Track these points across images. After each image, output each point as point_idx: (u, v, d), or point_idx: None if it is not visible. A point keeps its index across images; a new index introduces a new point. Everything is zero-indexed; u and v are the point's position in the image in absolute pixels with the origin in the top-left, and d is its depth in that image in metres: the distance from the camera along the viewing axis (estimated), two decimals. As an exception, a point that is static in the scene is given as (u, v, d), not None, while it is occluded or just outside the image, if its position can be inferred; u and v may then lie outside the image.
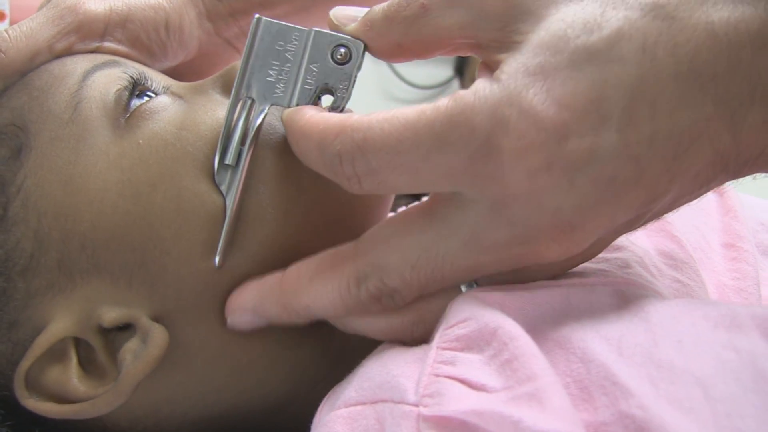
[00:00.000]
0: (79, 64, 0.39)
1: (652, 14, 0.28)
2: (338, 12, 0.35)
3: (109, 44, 0.42)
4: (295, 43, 0.34)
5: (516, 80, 0.28)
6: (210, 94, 0.38)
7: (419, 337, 0.32)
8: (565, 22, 0.28)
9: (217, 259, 0.34)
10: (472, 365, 0.27)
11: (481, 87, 0.28)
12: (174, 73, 0.47)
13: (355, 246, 0.32)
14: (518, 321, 0.28)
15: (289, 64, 0.34)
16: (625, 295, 0.30)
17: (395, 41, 0.33)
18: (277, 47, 0.34)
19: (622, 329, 0.27)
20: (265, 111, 0.35)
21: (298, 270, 0.33)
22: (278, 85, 0.34)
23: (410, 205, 0.33)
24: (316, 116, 0.32)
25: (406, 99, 2.17)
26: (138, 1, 0.44)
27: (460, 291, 0.32)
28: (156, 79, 0.39)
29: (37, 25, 0.41)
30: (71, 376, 0.34)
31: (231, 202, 0.34)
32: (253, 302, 0.34)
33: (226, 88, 0.38)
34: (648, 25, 0.28)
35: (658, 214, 0.32)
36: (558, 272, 0.33)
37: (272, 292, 0.33)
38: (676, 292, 0.35)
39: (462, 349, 0.28)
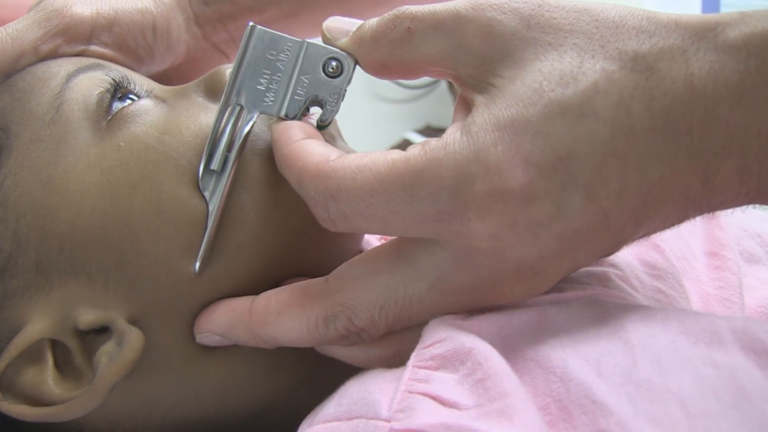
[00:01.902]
0: (63, 66, 0.39)
1: (631, 65, 0.28)
2: (331, 24, 0.35)
3: (95, 47, 0.42)
4: (287, 53, 0.34)
5: (485, 134, 0.28)
6: (193, 98, 0.38)
7: (396, 366, 0.32)
8: (542, 73, 0.28)
9: (197, 264, 0.34)
10: (446, 383, 0.28)
11: (451, 140, 0.29)
12: (162, 77, 0.47)
13: (325, 283, 0.33)
14: (496, 343, 0.29)
15: (280, 74, 0.34)
16: (604, 309, 0.30)
17: (380, 61, 0.33)
18: (269, 56, 0.34)
19: (601, 349, 0.28)
20: (254, 119, 0.35)
21: (267, 301, 0.34)
22: (268, 94, 0.35)
23: (380, 244, 0.33)
24: (297, 147, 0.33)
25: (394, 98, 2.17)
26: (125, 5, 0.44)
27: None
28: (139, 82, 0.39)
29: (24, 27, 0.41)
30: (47, 378, 0.34)
31: (214, 207, 0.34)
32: (221, 327, 0.34)
33: (209, 92, 0.38)
34: (625, 77, 0.28)
35: (627, 246, 0.32)
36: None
37: (241, 320, 0.34)
38: (658, 303, 0.35)
39: (437, 368, 0.28)
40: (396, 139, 2.12)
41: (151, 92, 0.39)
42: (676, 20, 0.29)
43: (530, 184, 0.27)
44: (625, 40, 0.28)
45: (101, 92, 0.37)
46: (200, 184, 0.34)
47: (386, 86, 2.11)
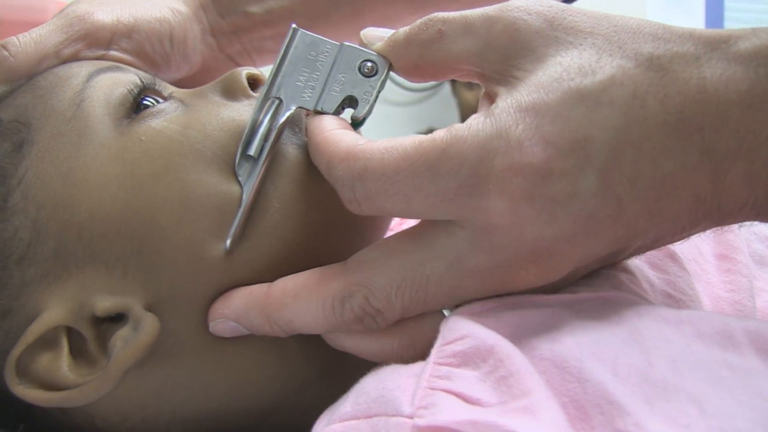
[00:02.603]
0: (84, 67, 0.40)
1: (646, 64, 0.29)
2: (368, 32, 0.36)
3: (114, 53, 0.44)
4: (326, 54, 0.36)
5: (507, 115, 0.29)
6: (210, 97, 0.39)
7: (410, 360, 0.32)
8: (562, 66, 0.30)
9: (228, 242, 0.34)
10: (468, 381, 0.28)
11: (475, 121, 0.30)
12: (177, 86, 0.48)
13: (343, 265, 0.33)
14: (512, 341, 0.29)
15: (318, 73, 0.36)
16: (618, 311, 0.31)
17: (412, 62, 0.35)
18: (309, 56, 0.36)
19: (616, 350, 0.28)
20: (291, 111, 0.36)
21: (284, 284, 0.34)
22: (306, 90, 0.36)
23: (399, 231, 0.34)
24: (330, 135, 0.34)
25: (398, 101, 2.18)
26: (144, 14, 0.45)
27: (444, 317, 0.33)
28: (163, 84, 0.40)
29: (47, 32, 0.42)
30: (61, 364, 0.34)
31: (249, 190, 0.35)
32: (236, 312, 0.34)
33: (226, 92, 0.39)
34: (641, 74, 0.29)
35: (640, 251, 0.33)
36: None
37: (257, 303, 0.34)
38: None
39: (458, 365, 0.29)
40: (400, 142, 2.12)
41: (171, 94, 0.40)
42: (691, 32, 0.30)
43: (548, 161, 0.29)
44: (641, 43, 0.30)
45: (125, 91, 0.38)
46: (236, 168, 0.36)
47: (389, 89, 2.12)
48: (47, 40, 0.42)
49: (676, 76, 0.29)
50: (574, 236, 0.29)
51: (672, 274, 0.38)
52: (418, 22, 0.34)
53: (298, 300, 0.33)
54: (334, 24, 0.51)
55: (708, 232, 0.45)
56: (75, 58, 0.42)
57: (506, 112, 0.30)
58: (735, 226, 0.45)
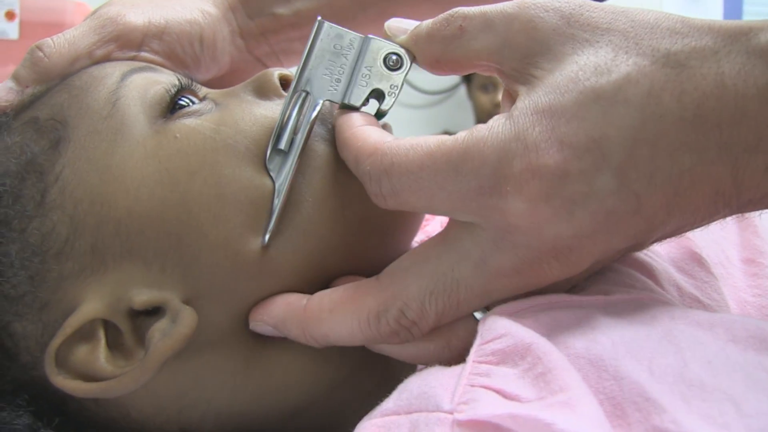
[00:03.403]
0: (117, 67, 0.40)
1: (663, 61, 0.29)
2: (392, 24, 0.37)
3: (145, 54, 0.44)
4: (351, 46, 0.37)
5: (525, 117, 0.30)
6: (242, 96, 0.40)
7: (446, 363, 0.33)
8: (578, 65, 0.30)
9: (266, 237, 0.35)
10: (507, 378, 0.28)
11: (496, 123, 0.31)
12: (206, 86, 0.48)
13: (377, 280, 0.34)
14: (548, 339, 0.30)
15: (344, 65, 0.37)
16: (651, 313, 0.31)
17: (434, 57, 0.35)
18: (335, 49, 0.37)
19: (652, 350, 0.28)
20: (320, 105, 0.37)
21: (321, 299, 0.35)
22: (333, 83, 0.37)
23: (427, 238, 0.34)
24: (359, 131, 0.35)
25: (413, 104, 2.18)
26: (175, 16, 0.46)
27: (475, 319, 0.34)
28: (198, 85, 0.41)
29: (80, 33, 0.43)
30: (99, 356, 0.35)
31: (281, 183, 0.36)
32: (275, 320, 0.35)
33: (258, 92, 0.40)
34: (657, 71, 0.29)
35: (660, 240, 0.33)
36: (564, 287, 0.34)
37: (295, 315, 0.35)
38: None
39: (497, 363, 0.29)
40: (415, 144, 2.13)
41: (206, 95, 0.40)
42: (710, 24, 0.30)
43: (565, 162, 0.29)
44: (658, 39, 0.30)
45: (162, 90, 0.38)
46: (267, 163, 0.36)
47: (405, 92, 2.12)
48: (80, 41, 0.42)
49: (693, 72, 0.29)
50: (594, 233, 0.30)
51: (699, 279, 0.38)
52: (439, 17, 0.35)
53: (334, 315, 0.34)
54: (360, 25, 0.51)
55: (734, 235, 0.45)
56: (107, 59, 0.43)
57: (524, 114, 0.30)
58: (762, 229, 0.45)
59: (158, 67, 0.42)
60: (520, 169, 0.29)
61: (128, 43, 0.44)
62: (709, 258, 0.41)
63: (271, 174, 0.36)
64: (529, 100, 0.30)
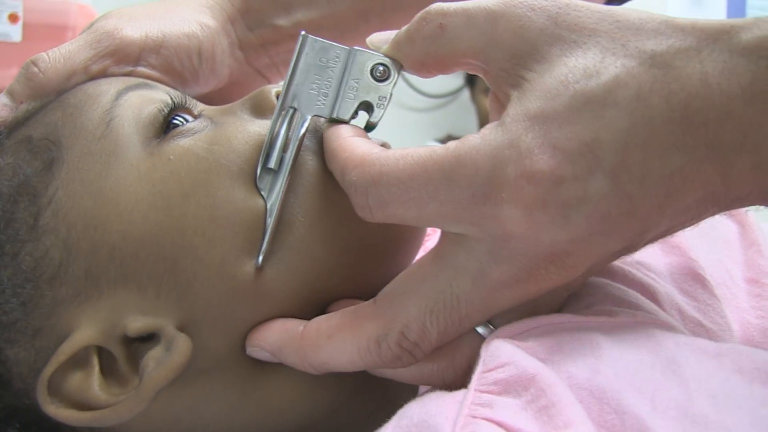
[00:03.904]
0: (112, 84, 0.40)
1: (649, 62, 0.29)
2: (374, 37, 0.37)
3: (142, 69, 0.44)
4: (337, 59, 0.36)
5: (517, 124, 0.30)
6: (239, 114, 0.39)
7: (450, 383, 0.32)
8: (567, 67, 0.30)
9: (260, 258, 0.35)
10: (510, 409, 0.28)
11: (488, 132, 0.30)
12: (205, 99, 0.48)
13: (374, 304, 0.33)
14: (551, 367, 0.29)
15: (330, 79, 0.36)
16: (656, 340, 0.31)
17: (418, 59, 0.35)
18: (320, 62, 0.36)
19: (655, 383, 0.28)
20: (308, 121, 0.36)
21: (318, 326, 0.34)
22: (320, 98, 0.36)
23: (421, 256, 0.34)
24: (346, 142, 0.34)
25: (416, 107, 2.18)
26: (173, 29, 0.45)
27: (478, 334, 0.33)
28: (194, 102, 0.40)
29: (76, 47, 0.42)
30: (93, 383, 0.34)
31: (272, 203, 0.35)
32: (272, 347, 0.35)
33: (254, 110, 0.39)
34: (644, 72, 0.29)
35: (653, 240, 0.33)
36: (563, 295, 0.35)
37: (292, 343, 0.34)
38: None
39: (500, 393, 0.29)
40: (418, 148, 2.12)
41: (201, 112, 0.40)
42: (693, 24, 0.30)
43: (558, 167, 0.29)
44: (644, 40, 0.30)
45: (155, 111, 0.38)
46: (258, 182, 0.36)
47: (409, 95, 2.12)
48: (76, 56, 0.42)
49: (679, 73, 0.29)
50: (590, 236, 0.30)
51: (702, 302, 0.38)
52: (416, 17, 0.34)
53: (333, 342, 0.33)
54: (362, 36, 0.50)
55: (739, 255, 0.45)
56: (103, 74, 0.42)
57: (516, 121, 0.30)
58: (766, 249, 0.44)
59: (154, 84, 0.41)
60: (514, 175, 0.29)
61: (125, 58, 0.43)
62: (712, 278, 0.40)
63: (263, 193, 0.35)
64: (520, 106, 0.30)
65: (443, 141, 2.07)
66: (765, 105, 0.28)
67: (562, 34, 0.31)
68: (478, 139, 0.30)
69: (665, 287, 0.38)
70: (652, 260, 0.41)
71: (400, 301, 0.32)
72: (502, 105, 0.32)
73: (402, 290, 0.33)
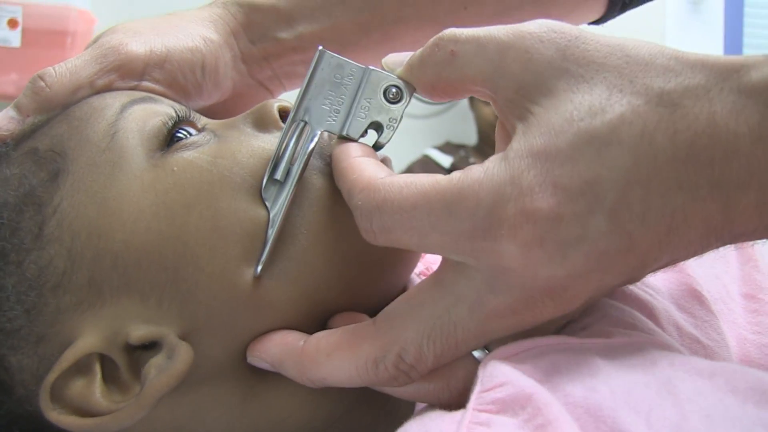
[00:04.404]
0: (117, 98, 0.40)
1: (656, 101, 0.29)
2: (389, 59, 0.37)
3: (146, 83, 0.44)
4: (352, 77, 0.37)
5: (520, 160, 0.30)
6: (241, 128, 0.40)
7: (446, 402, 0.33)
8: (573, 104, 0.30)
9: (259, 267, 0.35)
10: (507, 428, 0.28)
11: (492, 165, 0.31)
12: (208, 112, 0.48)
13: (374, 324, 0.34)
14: (547, 386, 0.29)
15: (344, 96, 0.37)
16: (651, 359, 0.31)
17: (429, 83, 0.35)
18: (335, 79, 0.37)
19: (650, 402, 0.28)
20: (317, 136, 0.36)
21: (318, 342, 0.35)
22: (332, 114, 0.37)
23: (422, 280, 0.34)
24: (355, 162, 0.35)
25: (415, 114, 2.18)
26: (177, 44, 0.45)
27: (474, 358, 0.34)
28: (197, 115, 0.41)
29: (82, 62, 0.43)
30: (95, 390, 0.35)
31: (276, 213, 0.36)
32: (272, 359, 0.35)
33: (257, 124, 0.40)
34: (650, 111, 0.29)
35: (654, 271, 0.33)
36: (560, 322, 0.35)
37: (292, 357, 0.35)
38: (696, 354, 0.36)
39: (497, 412, 0.29)
40: (417, 155, 2.13)
41: (205, 126, 0.40)
42: (703, 61, 0.30)
43: (558, 205, 0.29)
44: (652, 77, 0.30)
45: (160, 123, 0.38)
46: (263, 192, 0.36)
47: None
48: (82, 70, 0.42)
49: (686, 111, 0.29)
50: (587, 272, 0.30)
51: (699, 318, 0.38)
52: (429, 42, 0.34)
53: (332, 360, 0.34)
54: (363, 48, 0.51)
55: (736, 270, 0.45)
56: (109, 88, 0.43)
57: (519, 156, 0.30)
58: (763, 264, 0.45)
59: (158, 98, 0.42)
60: (514, 213, 0.29)
61: (130, 73, 0.43)
62: (709, 294, 0.41)
63: (267, 204, 0.36)
64: (525, 141, 0.30)
65: (442, 148, 2.06)
66: None
67: (569, 67, 0.31)
68: (481, 173, 0.30)
69: (663, 303, 0.38)
70: (650, 276, 0.41)
71: (398, 323, 0.33)
72: (508, 134, 0.32)
73: (401, 313, 0.33)
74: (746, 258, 0.45)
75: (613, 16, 0.56)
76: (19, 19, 1.61)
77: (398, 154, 2.09)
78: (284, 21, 0.50)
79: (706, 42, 2.27)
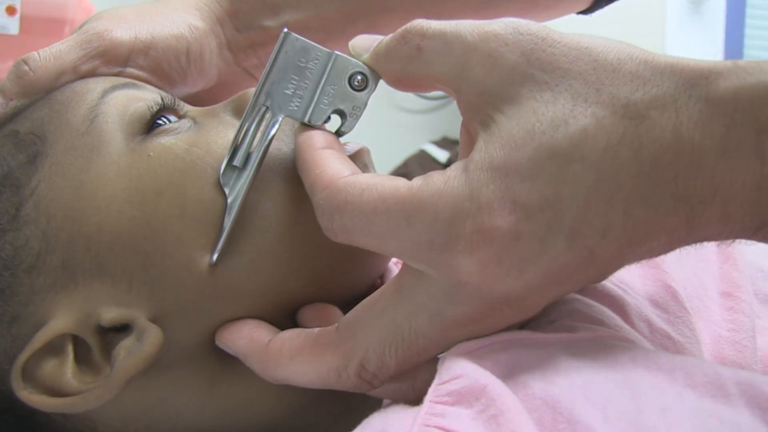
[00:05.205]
0: (100, 83, 0.41)
1: (622, 112, 0.29)
2: (357, 42, 0.36)
3: (131, 70, 0.44)
4: (316, 62, 0.36)
5: (480, 173, 0.30)
6: (221, 117, 0.40)
7: (411, 400, 0.33)
8: (536, 115, 0.30)
9: (214, 256, 0.35)
10: (461, 418, 0.29)
11: (452, 176, 0.30)
12: (193, 99, 0.48)
13: (336, 332, 0.34)
14: (506, 380, 0.30)
15: (307, 81, 0.36)
16: (613, 354, 0.31)
17: (395, 75, 0.35)
18: (299, 63, 0.36)
19: (608, 395, 0.28)
20: (279, 121, 0.36)
21: (282, 344, 0.35)
22: (294, 99, 0.36)
23: (383, 285, 0.34)
24: (318, 156, 0.34)
25: (412, 108, 2.18)
26: (162, 31, 0.46)
27: (437, 358, 0.33)
28: (181, 103, 0.41)
29: (66, 47, 0.43)
30: (66, 371, 0.35)
31: (233, 201, 0.35)
32: (238, 350, 0.35)
33: (236, 112, 0.40)
34: (615, 123, 0.29)
35: (611, 274, 0.33)
36: (521, 322, 0.34)
37: (256, 353, 0.35)
38: (666, 350, 0.36)
39: (452, 404, 0.29)
40: (413, 149, 2.13)
41: (186, 113, 0.41)
42: (673, 66, 0.29)
43: (517, 223, 0.29)
44: (619, 85, 0.29)
45: (144, 108, 0.38)
46: (221, 178, 0.36)
47: (405, 96, 2.12)
48: (66, 55, 0.42)
49: (652, 124, 0.28)
50: (545, 285, 0.30)
51: (672, 314, 0.38)
52: (396, 33, 0.34)
53: (294, 363, 0.34)
54: (349, 37, 0.51)
55: (714, 267, 0.45)
56: (92, 74, 0.43)
57: (479, 169, 0.30)
58: (741, 262, 0.45)
59: (142, 84, 0.42)
60: (471, 230, 0.29)
61: (114, 59, 0.44)
62: (685, 291, 0.41)
63: (225, 190, 0.36)
64: (485, 153, 0.30)
65: (439, 143, 2.06)
66: (737, 160, 0.28)
67: (534, 73, 0.30)
68: (441, 183, 0.30)
69: (636, 299, 0.38)
70: (624, 272, 0.41)
71: (360, 330, 0.33)
72: (471, 138, 0.32)
73: (363, 319, 0.33)
74: (726, 257, 0.46)
75: (601, 6, 0.56)
76: (18, 7, 1.61)
77: (395, 149, 2.09)
78: (270, 9, 0.50)
79: (706, 44, 2.26)
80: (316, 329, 0.35)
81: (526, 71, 0.30)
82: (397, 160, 2.06)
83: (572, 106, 0.29)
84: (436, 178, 0.31)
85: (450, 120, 2.24)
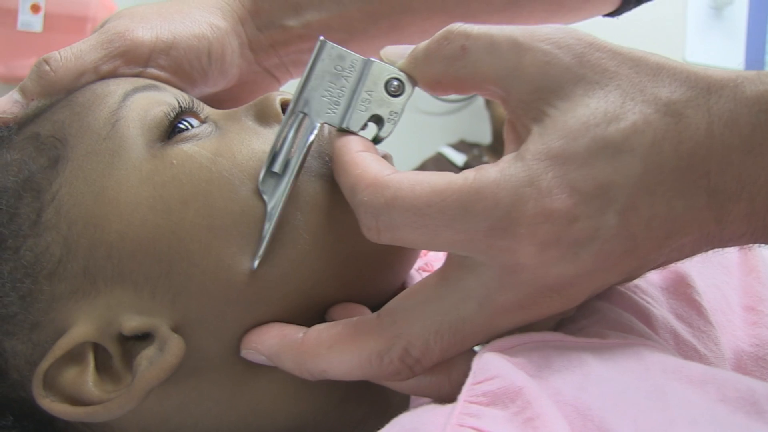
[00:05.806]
0: (120, 85, 0.40)
1: (664, 110, 0.31)
2: (388, 50, 0.37)
3: (152, 70, 0.44)
4: (353, 68, 0.36)
5: (539, 162, 0.31)
6: (243, 121, 0.39)
7: (445, 395, 0.33)
8: (590, 109, 0.31)
9: (256, 262, 0.35)
10: (496, 420, 0.29)
11: (507, 165, 0.31)
12: (214, 98, 0.48)
13: (378, 318, 0.34)
14: (539, 381, 0.30)
15: (344, 88, 0.36)
16: (645, 364, 0.31)
17: (434, 77, 0.35)
18: (335, 70, 0.36)
19: (639, 405, 0.28)
20: (317, 128, 0.36)
21: (319, 334, 0.34)
22: (332, 106, 0.36)
23: (425, 276, 0.34)
24: (357, 157, 0.34)
25: (430, 111, 2.18)
26: (183, 30, 0.45)
27: (473, 350, 0.34)
28: (201, 105, 0.41)
29: (87, 47, 0.43)
30: (87, 380, 0.35)
31: (274, 207, 0.35)
32: (269, 351, 0.35)
33: (258, 117, 0.39)
34: (659, 120, 0.31)
35: (648, 271, 0.34)
36: (558, 318, 0.36)
37: (290, 348, 0.35)
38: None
39: (488, 404, 0.29)
40: (430, 152, 2.12)
41: (207, 117, 0.40)
42: (704, 71, 0.32)
43: (574, 207, 0.30)
44: (660, 87, 0.31)
45: (162, 114, 0.38)
46: (260, 185, 0.36)
47: (423, 98, 2.11)
48: (87, 55, 0.42)
49: (689, 122, 0.30)
50: (593, 271, 0.31)
51: (697, 329, 0.38)
52: (437, 35, 0.34)
53: (333, 352, 0.34)
54: (371, 38, 0.51)
55: (737, 281, 0.45)
56: (113, 74, 0.43)
57: (537, 159, 0.31)
58: (765, 276, 0.44)
59: (162, 86, 0.42)
60: (533, 213, 0.30)
61: (135, 59, 0.43)
62: (709, 304, 0.40)
63: (264, 197, 0.36)
64: (542, 144, 0.31)
65: (456, 146, 2.05)
66: (761, 157, 0.30)
67: (586, 74, 0.32)
68: (497, 173, 0.31)
69: (661, 311, 0.38)
70: (649, 285, 0.41)
71: (403, 318, 0.33)
72: (518, 135, 0.33)
73: (405, 308, 0.33)
74: (749, 269, 0.45)
75: (629, 9, 0.56)
76: (42, 4, 1.62)
77: (412, 151, 2.08)
78: (292, 8, 0.49)
79: (727, 49, 2.24)
80: (355, 318, 0.35)
81: (578, 72, 0.32)
82: (415, 161, 2.06)
83: (621, 103, 0.31)
84: (491, 169, 0.31)
85: (468, 123, 2.23)
